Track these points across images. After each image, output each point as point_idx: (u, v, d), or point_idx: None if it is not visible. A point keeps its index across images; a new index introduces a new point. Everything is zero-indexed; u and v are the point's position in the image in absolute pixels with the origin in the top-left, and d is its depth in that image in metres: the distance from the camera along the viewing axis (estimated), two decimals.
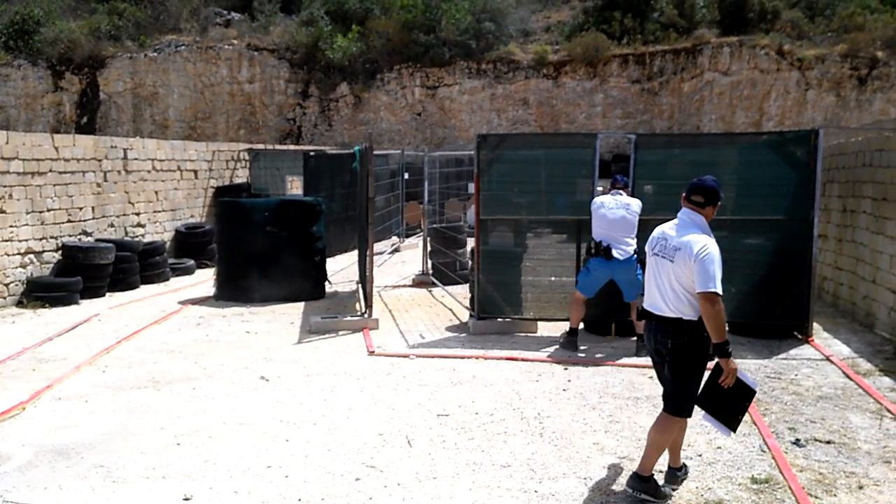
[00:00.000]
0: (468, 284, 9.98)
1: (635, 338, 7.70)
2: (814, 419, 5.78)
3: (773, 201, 8.17)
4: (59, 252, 10.88)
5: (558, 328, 8.35)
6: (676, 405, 4.37)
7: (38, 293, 10.16)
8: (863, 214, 8.98)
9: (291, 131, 23.84)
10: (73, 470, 4.84)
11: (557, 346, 7.91)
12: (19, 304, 10.17)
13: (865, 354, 7.58)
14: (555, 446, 5.23)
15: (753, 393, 4.33)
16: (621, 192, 7.75)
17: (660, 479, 4.58)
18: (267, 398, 6.29)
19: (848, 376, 6.85)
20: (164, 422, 5.71)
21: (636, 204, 7.68)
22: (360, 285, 10.78)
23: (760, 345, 7.94)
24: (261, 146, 18.39)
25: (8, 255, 10.07)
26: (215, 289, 10.75)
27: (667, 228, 4.48)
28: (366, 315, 8.91)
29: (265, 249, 10.32)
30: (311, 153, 15.09)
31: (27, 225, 10.38)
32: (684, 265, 4.23)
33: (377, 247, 12.12)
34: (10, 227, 10.08)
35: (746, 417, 5.29)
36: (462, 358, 7.50)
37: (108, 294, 10.97)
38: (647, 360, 7.02)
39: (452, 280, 11.33)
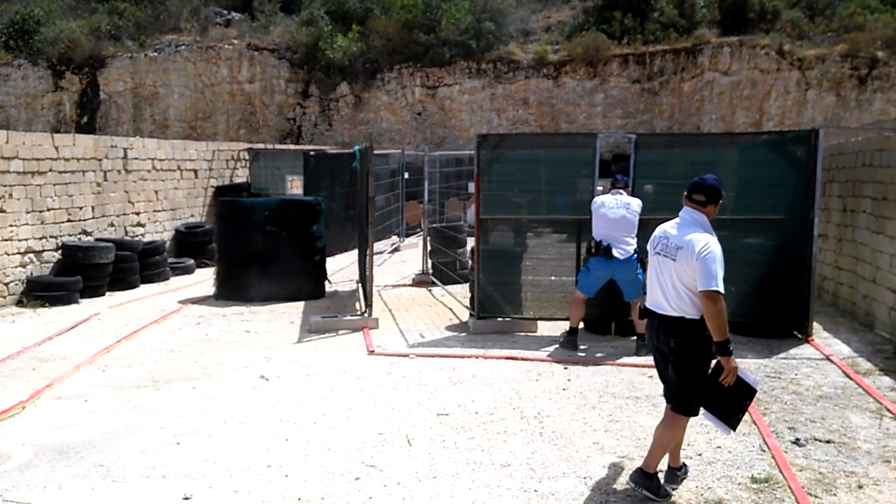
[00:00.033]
0: (468, 284, 9.98)
1: (635, 337, 7.71)
2: (814, 418, 5.78)
3: (774, 201, 8.17)
4: (59, 251, 10.88)
5: (558, 328, 8.35)
6: (682, 404, 4.38)
7: (38, 292, 10.17)
8: (863, 214, 8.98)
9: (291, 131, 23.84)
10: (72, 469, 4.84)
11: (557, 346, 7.91)
12: (19, 303, 10.18)
13: (865, 354, 7.58)
14: (555, 445, 5.23)
15: (754, 392, 4.32)
16: (622, 191, 7.75)
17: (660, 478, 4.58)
18: (267, 397, 6.28)
19: (848, 376, 6.85)
20: (164, 421, 5.71)
21: (636, 203, 7.68)
22: (359, 285, 10.78)
23: (760, 344, 7.94)
24: (261, 146, 18.40)
25: (8, 255, 10.07)
26: (215, 288, 10.75)
27: (668, 227, 4.49)
28: (366, 314, 8.91)
29: (265, 249, 10.32)
30: (311, 153, 15.08)
31: (27, 224, 10.38)
32: (686, 264, 4.23)
33: (377, 246, 12.12)
34: (11, 226, 10.09)
35: (746, 417, 5.29)
36: (462, 357, 7.50)
37: (107, 293, 10.97)
38: (648, 360, 7.03)
39: (452, 279, 11.33)
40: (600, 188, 8.42)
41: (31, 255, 10.48)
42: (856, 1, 22.63)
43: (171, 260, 12.90)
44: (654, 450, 4.45)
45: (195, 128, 23.99)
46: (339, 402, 6.16)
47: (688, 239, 4.27)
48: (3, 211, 9.98)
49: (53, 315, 9.59)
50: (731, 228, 8.03)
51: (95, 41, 24.60)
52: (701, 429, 5.34)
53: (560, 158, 8.73)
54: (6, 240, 10.02)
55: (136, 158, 12.89)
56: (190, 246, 13.85)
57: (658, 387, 5.28)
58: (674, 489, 4.52)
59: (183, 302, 10.41)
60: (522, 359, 7.42)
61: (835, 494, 4.49)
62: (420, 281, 11.98)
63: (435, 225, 12.58)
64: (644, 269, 7.59)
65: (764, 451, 5.14)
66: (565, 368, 7.14)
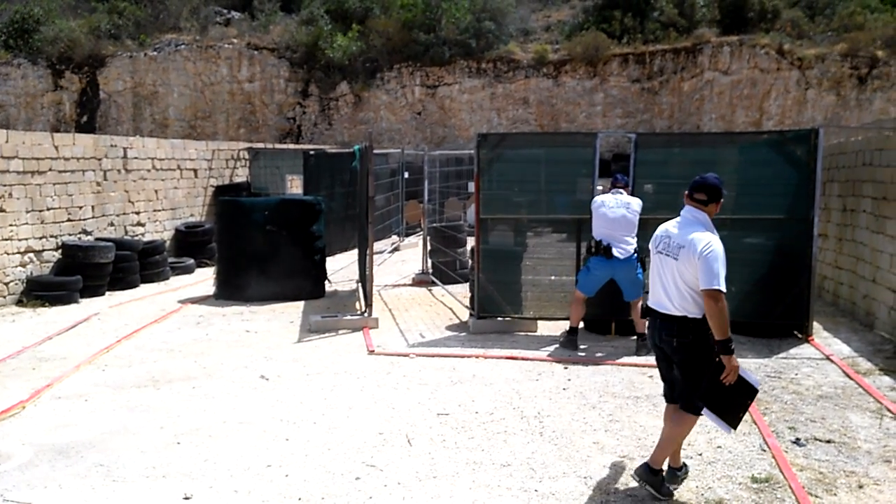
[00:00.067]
0: (468, 283, 9.98)
1: (635, 337, 7.71)
2: (814, 418, 5.78)
3: (774, 200, 8.17)
4: (59, 251, 10.88)
5: (558, 327, 8.35)
6: (689, 403, 4.38)
7: (38, 292, 10.16)
8: (863, 213, 8.98)
9: (291, 130, 23.84)
10: (73, 469, 4.84)
11: (557, 346, 7.91)
12: (19, 302, 10.17)
13: (865, 353, 7.58)
14: (555, 445, 5.23)
15: (756, 391, 4.32)
16: (622, 191, 7.75)
17: None
18: (267, 397, 6.28)
19: (848, 375, 6.85)
20: (164, 421, 5.71)
21: (637, 203, 7.68)
22: (359, 284, 10.77)
23: (761, 344, 7.93)
24: (261, 145, 18.39)
25: (8, 254, 10.07)
26: (215, 288, 10.75)
27: (670, 226, 4.49)
28: (366, 314, 8.91)
29: (265, 248, 10.32)
30: (311, 152, 15.08)
31: (27, 224, 10.37)
32: (688, 263, 4.24)
33: (377, 246, 12.11)
34: (10, 226, 10.08)
35: (746, 417, 5.29)
36: (462, 357, 7.50)
37: (107, 293, 10.96)
38: (648, 360, 7.04)
39: (452, 279, 11.32)
40: (600, 187, 8.41)
41: (31, 255, 10.47)
42: (856, 0, 22.63)
43: (170, 259, 12.90)
44: (663, 446, 4.45)
45: (195, 127, 23.98)
46: (339, 401, 6.16)
47: (690, 238, 4.27)
48: (3, 210, 9.98)
49: (53, 315, 9.59)
50: (731, 228, 8.01)
51: (95, 40, 24.59)
52: (701, 429, 5.33)
53: (560, 158, 8.73)
54: (6, 239, 10.02)
55: (135, 158, 12.88)
56: (190, 245, 13.84)
57: (658, 387, 5.29)
58: (674, 489, 4.52)
59: (183, 301, 10.41)
60: (522, 358, 7.42)
61: (835, 494, 4.49)
62: (420, 280, 11.98)
63: (435, 224, 12.58)
64: (644, 268, 7.61)
65: (764, 450, 5.14)
66: (565, 368, 7.14)
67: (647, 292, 4.64)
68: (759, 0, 22.50)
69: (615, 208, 7.58)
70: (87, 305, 10.21)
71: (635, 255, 7.56)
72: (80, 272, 10.54)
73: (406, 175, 16.39)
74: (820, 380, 6.77)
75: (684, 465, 4.68)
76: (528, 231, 8.72)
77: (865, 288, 8.83)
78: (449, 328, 8.80)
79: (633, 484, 4.61)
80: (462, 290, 10.35)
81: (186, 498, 4.43)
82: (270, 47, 24.14)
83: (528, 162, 8.73)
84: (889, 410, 5.91)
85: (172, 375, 6.91)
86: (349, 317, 8.97)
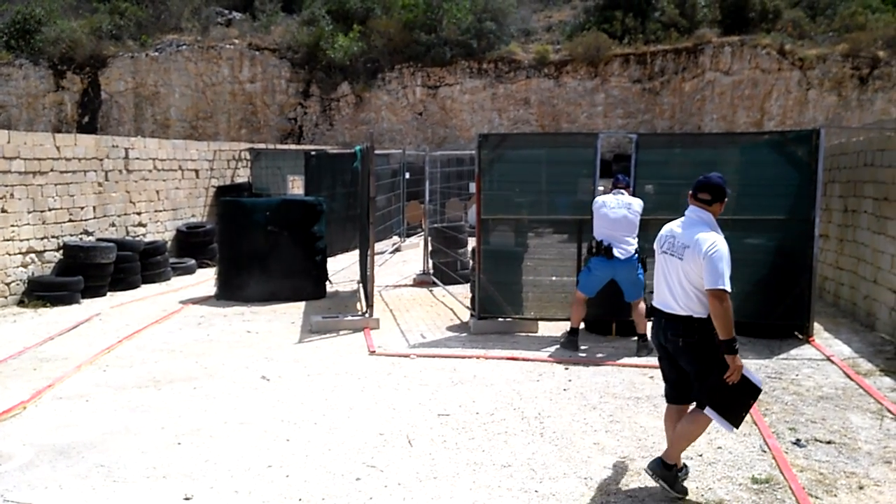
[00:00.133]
0: (469, 284, 9.98)
1: (636, 338, 7.70)
2: (814, 419, 5.78)
3: (775, 201, 8.17)
4: (61, 251, 10.89)
5: (559, 328, 8.35)
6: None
7: (40, 292, 10.17)
8: (864, 214, 8.98)
9: (293, 131, 23.85)
10: (73, 469, 4.84)
11: (558, 346, 7.90)
12: (20, 303, 10.18)
13: (866, 354, 7.57)
14: (555, 446, 5.23)
15: (759, 391, 4.33)
16: (623, 191, 7.75)
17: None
18: (268, 398, 6.29)
19: (849, 376, 6.84)
20: (165, 421, 5.71)
21: (638, 203, 7.68)
22: (360, 285, 10.78)
23: (761, 344, 7.93)
24: (262, 146, 18.40)
25: (9, 255, 10.08)
26: (216, 288, 10.76)
27: (675, 226, 4.50)
28: (367, 315, 8.91)
29: (266, 249, 10.33)
30: (313, 153, 15.10)
31: (28, 224, 10.39)
32: (693, 262, 4.25)
33: (378, 246, 12.11)
34: (12, 226, 10.09)
35: (747, 417, 5.28)
36: (463, 358, 7.50)
37: (109, 293, 10.97)
38: (649, 360, 7.04)
39: (453, 280, 11.33)
40: (601, 188, 8.42)
41: (33, 255, 10.49)
42: (857, 0, 22.62)
43: (172, 260, 12.91)
44: (678, 442, 4.45)
45: (196, 127, 24.00)
46: (339, 402, 6.17)
47: (695, 238, 4.28)
48: (5, 211, 10.00)
49: (55, 315, 9.60)
50: (732, 228, 7.95)
51: (97, 41, 24.61)
52: None
53: (561, 158, 8.73)
54: (7, 240, 10.03)
55: (137, 158, 12.89)
56: (191, 246, 13.85)
57: (659, 388, 5.28)
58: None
59: (184, 302, 10.42)
60: (523, 359, 7.42)
61: (835, 495, 4.49)
62: (421, 281, 11.98)
63: (436, 225, 12.59)
64: (645, 269, 7.62)
65: (765, 451, 5.14)
66: (566, 369, 7.14)
67: (651, 292, 4.63)
68: (760, 0, 22.49)
69: (616, 209, 7.58)
70: (88, 306, 10.22)
71: (636, 255, 7.56)
72: (82, 273, 10.55)
73: (407, 175, 16.40)
74: (820, 381, 6.76)
75: (685, 465, 4.68)
76: (528, 232, 8.72)
77: (866, 289, 8.82)
78: (450, 329, 8.80)
79: (634, 485, 4.61)
80: (463, 291, 10.35)
81: (187, 498, 4.43)
82: (272, 48, 24.15)
83: (529, 162, 8.73)
84: (889, 411, 5.91)
85: (173, 376, 6.92)
86: (350, 317, 8.98)
